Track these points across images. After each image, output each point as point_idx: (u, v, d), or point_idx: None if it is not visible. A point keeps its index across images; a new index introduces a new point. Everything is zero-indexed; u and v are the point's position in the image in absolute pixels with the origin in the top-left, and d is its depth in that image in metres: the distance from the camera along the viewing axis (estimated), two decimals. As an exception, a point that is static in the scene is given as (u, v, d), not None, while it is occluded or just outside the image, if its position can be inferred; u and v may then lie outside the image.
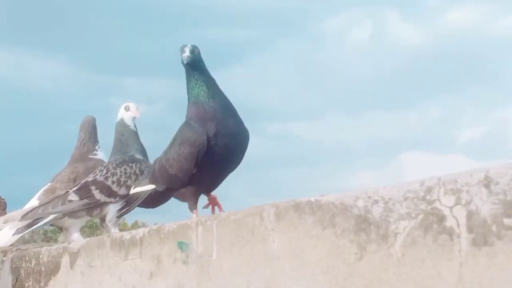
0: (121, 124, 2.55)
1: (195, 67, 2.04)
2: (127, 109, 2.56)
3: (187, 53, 2.01)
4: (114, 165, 2.43)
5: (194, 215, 2.04)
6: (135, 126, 2.55)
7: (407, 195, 1.08)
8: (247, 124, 2.07)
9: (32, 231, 2.61)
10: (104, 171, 2.42)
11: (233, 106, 2.06)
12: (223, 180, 2.12)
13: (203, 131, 1.97)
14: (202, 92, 2.02)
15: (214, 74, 2.09)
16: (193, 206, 2.08)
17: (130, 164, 2.43)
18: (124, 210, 2.37)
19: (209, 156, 1.97)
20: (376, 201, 1.13)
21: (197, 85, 2.02)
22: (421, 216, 1.06)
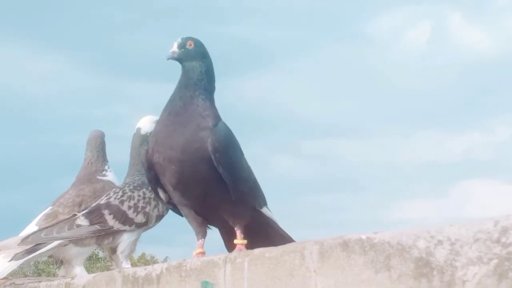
0: (146, 139, 2.58)
1: (188, 62, 2.10)
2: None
3: (173, 48, 2.10)
4: (131, 187, 2.46)
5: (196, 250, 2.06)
6: None
7: (478, 236, 1.09)
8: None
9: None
10: (120, 193, 2.44)
11: (196, 111, 2.02)
12: (211, 206, 2.04)
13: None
14: (172, 94, 2.09)
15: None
16: (196, 235, 2.10)
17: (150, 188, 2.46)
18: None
19: (159, 172, 2.03)
20: (440, 242, 1.13)
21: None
22: (494, 262, 1.06)
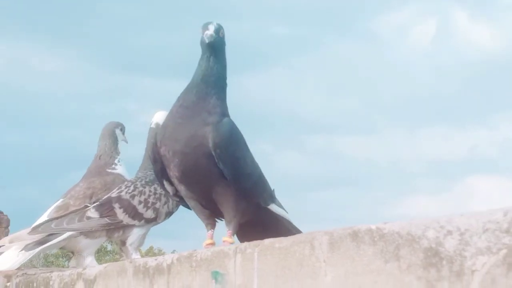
0: None
1: (215, 52, 2.02)
2: None
3: (211, 31, 2.00)
4: (143, 182, 2.46)
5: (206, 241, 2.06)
6: None
7: (487, 226, 1.08)
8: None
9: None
10: (131, 188, 2.44)
11: (206, 107, 1.98)
12: (214, 200, 2.02)
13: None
14: (190, 84, 2.03)
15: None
16: (206, 226, 2.10)
17: None
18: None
19: (165, 165, 2.02)
20: (450, 232, 1.13)
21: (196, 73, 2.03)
22: (503, 252, 1.06)
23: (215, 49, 2.03)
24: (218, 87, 2.04)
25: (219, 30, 2.03)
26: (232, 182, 1.99)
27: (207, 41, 1.99)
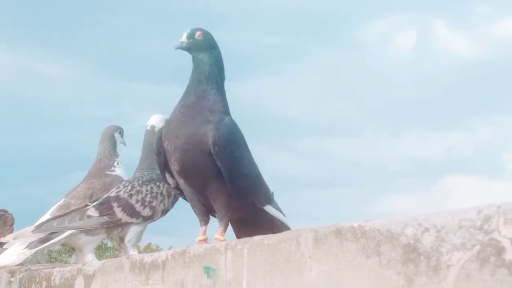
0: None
1: (198, 53, 2.05)
2: None
3: (183, 38, 2.06)
4: (140, 182, 2.47)
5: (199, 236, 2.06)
6: None
7: (462, 224, 1.10)
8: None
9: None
10: (129, 187, 2.45)
11: (206, 106, 2.00)
12: (209, 196, 2.02)
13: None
14: (187, 86, 2.06)
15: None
16: (200, 222, 2.10)
17: (158, 184, 2.47)
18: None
19: (167, 158, 2.04)
20: (427, 229, 1.14)
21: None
22: (477, 248, 1.07)
23: (196, 50, 2.06)
24: (213, 83, 2.04)
25: (193, 34, 2.07)
26: (228, 180, 1.99)
27: (174, 48, 2.06)
